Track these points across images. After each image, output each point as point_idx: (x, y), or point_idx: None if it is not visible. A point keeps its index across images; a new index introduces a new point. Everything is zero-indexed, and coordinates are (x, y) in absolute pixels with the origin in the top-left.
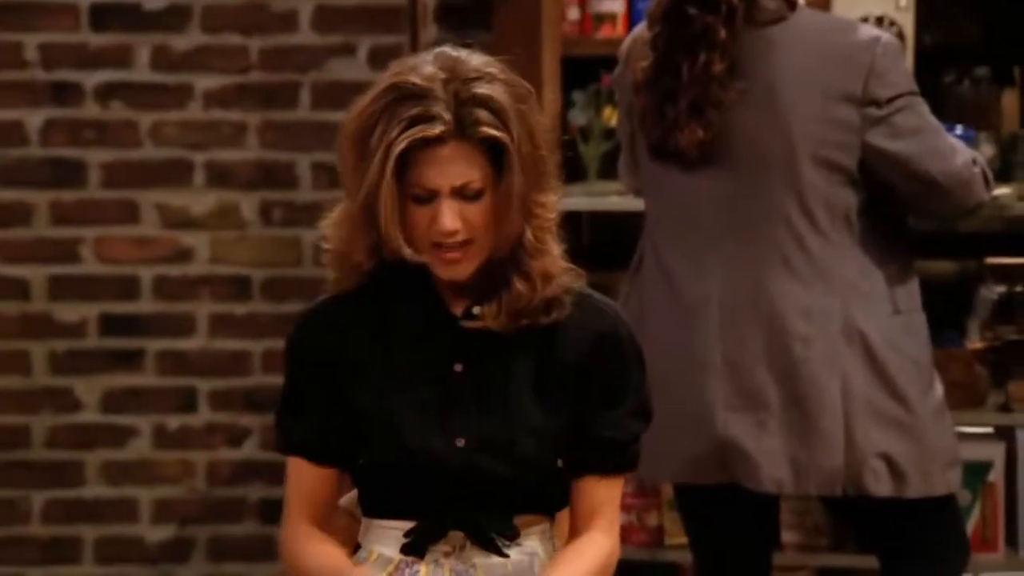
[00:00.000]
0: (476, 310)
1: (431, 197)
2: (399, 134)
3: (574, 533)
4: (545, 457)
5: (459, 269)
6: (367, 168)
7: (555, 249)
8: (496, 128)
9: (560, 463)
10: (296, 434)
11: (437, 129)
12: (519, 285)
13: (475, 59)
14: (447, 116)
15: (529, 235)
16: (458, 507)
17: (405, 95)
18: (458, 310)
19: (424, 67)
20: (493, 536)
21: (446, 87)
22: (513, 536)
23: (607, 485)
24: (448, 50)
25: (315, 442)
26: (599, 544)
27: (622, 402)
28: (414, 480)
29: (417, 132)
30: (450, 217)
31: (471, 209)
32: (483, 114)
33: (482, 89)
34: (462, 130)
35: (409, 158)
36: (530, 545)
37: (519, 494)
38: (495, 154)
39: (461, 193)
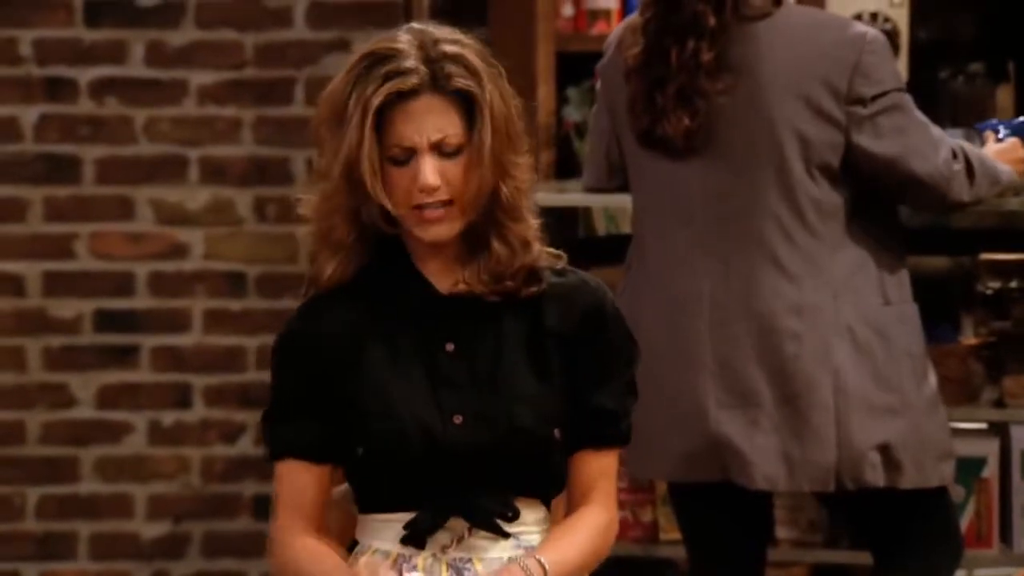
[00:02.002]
0: (462, 288)
1: (409, 156)
2: (374, 91)
3: (571, 509)
4: (542, 427)
5: (442, 229)
6: (345, 134)
7: (531, 219)
8: (468, 80)
9: (558, 434)
10: (291, 437)
11: (411, 81)
12: (499, 248)
13: (444, 30)
14: (421, 69)
15: (506, 192)
16: (458, 489)
17: (378, 59)
18: (444, 289)
19: (396, 36)
20: (495, 518)
21: (419, 48)
22: (514, 517)
23: (602, 458)
24: (416, 24)
25: (311, 442)
26: (595, 515)
27: (613, 374)
28: (414, 463)
29: (392, 86)
30: (431, 172)
31: (450, 167)
32: (454, 68)
33: (453, 48)
34: (435, 83)
35: (385, 118)
36: (526, 539)
37: (518, 469)
38: (469, 113)
39: (439, 149)
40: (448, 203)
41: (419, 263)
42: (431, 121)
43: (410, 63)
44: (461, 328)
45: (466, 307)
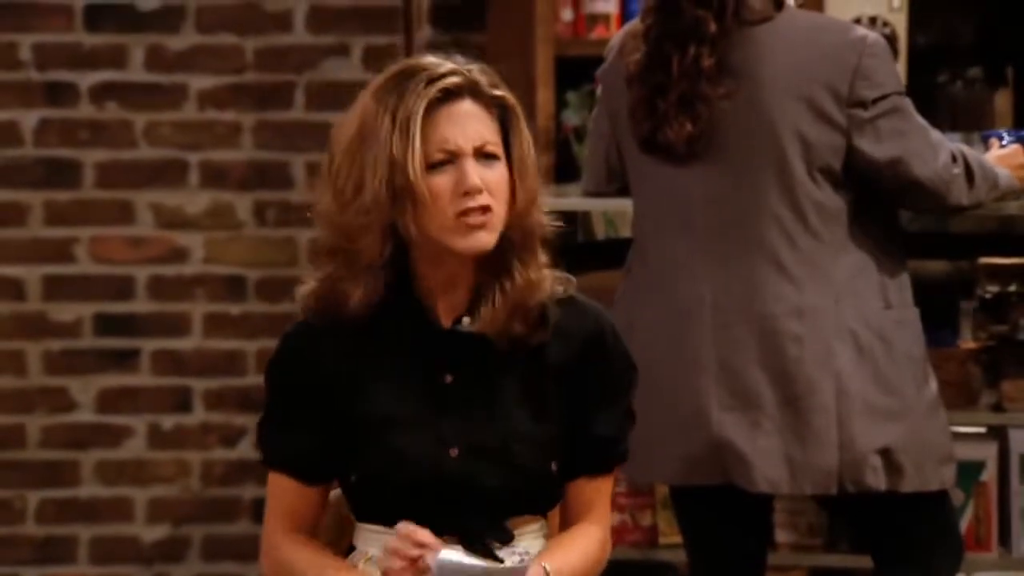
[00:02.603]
0: (465, 321)
1: (450, 161)
2: (418, 96)
3: (567, 527)
4: (539, 463)
5: (483, 237)
6: (384, 145)
7: (543, 255)
8: (502, 90)
9: (554, 467)
10: (283, 451)
11: (455, 80)
12: (518, 278)
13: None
14: (461, 73)
15: (531, 221)
16: (452, 515)
17: (410, 73)
18: (447, 321)
19: (418, 57)
20: (487, 541)
21: (449, 61)
22: (507, 539)
23: (600, 481)
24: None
25: (302, 461)
26: (591, 533)
27: (613, 400)
28: (408, 491)
29: (439, 87)
30: (475, 174)
31: (488, 174)
32: (487, 78)
33: (478, 65)
34: (475, 89)
35: (427, 126)
36: (523, 545)
37: (513, 500)
38: (502, 126)
39: (480, 154)
40: (488, 210)
41: (426, 298)
42: (474, 126)
43: (448, 68)
44: (461, 360)
45: (466, 340)
